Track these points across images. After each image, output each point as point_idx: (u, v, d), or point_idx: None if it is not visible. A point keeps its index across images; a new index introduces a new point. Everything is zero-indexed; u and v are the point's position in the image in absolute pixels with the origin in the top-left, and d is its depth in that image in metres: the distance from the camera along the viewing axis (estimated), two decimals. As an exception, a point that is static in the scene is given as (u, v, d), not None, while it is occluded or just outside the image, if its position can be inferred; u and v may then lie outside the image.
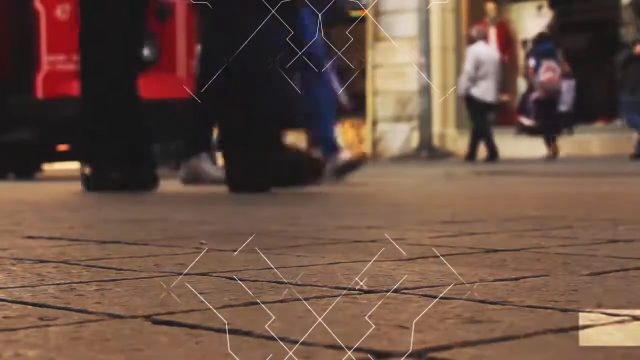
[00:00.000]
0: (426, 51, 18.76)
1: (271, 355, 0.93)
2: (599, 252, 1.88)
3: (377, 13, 20.01)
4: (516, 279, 1.48)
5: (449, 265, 1.68)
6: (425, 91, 18.06)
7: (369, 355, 0.93)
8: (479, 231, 2.42)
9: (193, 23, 11.00)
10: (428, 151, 17.82)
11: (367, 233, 2.39)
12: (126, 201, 4.22)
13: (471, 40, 15.64)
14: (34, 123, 10.29)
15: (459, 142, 18.30)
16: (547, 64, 14.88)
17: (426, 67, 18.01)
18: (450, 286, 1.41)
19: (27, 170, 11.23)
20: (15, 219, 3.04)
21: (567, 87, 14.95)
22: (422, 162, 16.45)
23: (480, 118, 15.07)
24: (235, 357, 0.93)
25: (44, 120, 10.24)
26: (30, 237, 2.35)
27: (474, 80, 14.85)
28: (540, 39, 15.30)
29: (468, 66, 14.91)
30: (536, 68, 14.94)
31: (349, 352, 0.95)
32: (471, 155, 15.06)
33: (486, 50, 15.39)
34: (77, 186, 4.95)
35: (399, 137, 19.61)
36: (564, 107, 14.92)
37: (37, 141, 10.57)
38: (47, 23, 10.22)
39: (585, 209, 3.32)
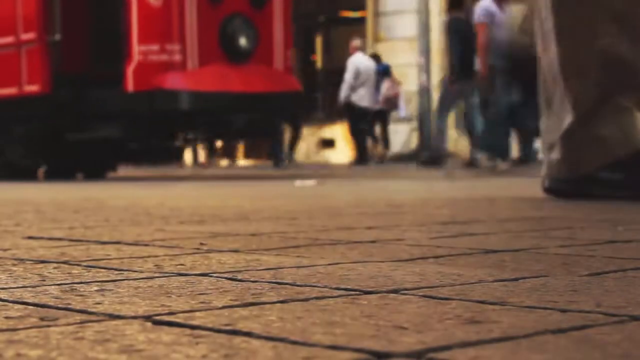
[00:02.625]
0: (426, 52, 18.75)
1: (271, 356, 0.94)
2: (598, 252, 1.89)
3: (377, 14, 20.03)
4: (515, 279, 1.49)
5: (448, 266, 1.69)
6: (424, 92, 18.07)
7: (369, 356, 0.93)
8: (478, 232, 2.42)
9: (290, 10, 9.97)
10: (428, 152, 17.85)
11: (366, 234, 2.39)
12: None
13: (352, 51, 17.18)
14: (122, 119, 9.24)
15: (458, 143, 18.31)
16: (388, 80, 17.80)
17: (426, 68, 18.01)
18: (450, 287, 1.41)
19: (98, 170, 10.30)
20: (16, 220, 3.04)
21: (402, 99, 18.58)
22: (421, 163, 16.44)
23: (356, 123, 16.73)
24: (236, 358, 0.93)
25: (134, 115, 9.20)
26: (31, 238, 2.35)
27: (353, 88, 16.48)
28: (377, 60, 17.71)
29: (348, 75, 16.55)
30: (377, 85, 17.48)
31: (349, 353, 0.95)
32: (361, 159, 16.71)
33: (365, 61, 17.13)
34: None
35: (399, 138, 19.62)
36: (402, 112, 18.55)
37: (124, 138, 9.59)
38: (138, 10, 9.13)
39: (582, 210, 3.32)
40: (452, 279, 1.49)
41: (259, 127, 10.15)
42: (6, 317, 1.18)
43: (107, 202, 4.33)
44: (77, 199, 4.77)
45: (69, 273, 1.63)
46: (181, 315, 1.18)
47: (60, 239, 2.31)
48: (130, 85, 9.04)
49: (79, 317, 1.18)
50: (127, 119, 9.22)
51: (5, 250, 2.05)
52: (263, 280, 1.51)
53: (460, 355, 0.93)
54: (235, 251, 1.97)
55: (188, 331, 1.07)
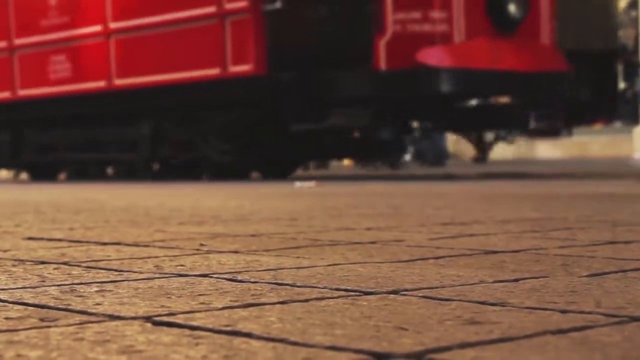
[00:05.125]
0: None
1: (271, 357, 0.94)
2: (598, 253, 1.89)
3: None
4: (516, 280, 1.49)
5: (448, 266, 1.69)
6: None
7: (369, 357, 0.93)
8: (478, 232, 2.42)
9: None
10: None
11: (366, 234, 2.39)
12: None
13: None
14: (369, 104, 7.32)
15: (460, 145, 18.31)
16: None
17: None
18: (450, 287, 1.41)
19: (284, 168, 8.70)
20: (16, 221, 3.04)
21: None
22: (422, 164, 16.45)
23: None
24: (235, 359, 0.93)
25: (387, 100, 7.29)
26: (31, 239, 2.35)
27: None
28: None
29: None
30: None
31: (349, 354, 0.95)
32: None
33: None
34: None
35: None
36: None
37: (369, 128, 7.67)
38: None
39: (584, 211, 3.32)
40: (452, 280, 1.49)
41: (535, 114, 8.36)
42: (6, 318, 1.18)
43: (107, 202, 4.33)
44: (77, 199, 4.77)
45: (69, 274, 1.63)
46: (181, 316, 1.18)
47: (60, 240, 2.31)
48: (382, 63, 7.13)
49: (78, 318, 1.18)
50: (377, 104, 7.31)
51: (5, 251, 2.05)
52: (263, 281, 1.51)
53: (459, 356, 0.93)
54: (235, 252, 1.97)
55: (188, 332, 1.07)
